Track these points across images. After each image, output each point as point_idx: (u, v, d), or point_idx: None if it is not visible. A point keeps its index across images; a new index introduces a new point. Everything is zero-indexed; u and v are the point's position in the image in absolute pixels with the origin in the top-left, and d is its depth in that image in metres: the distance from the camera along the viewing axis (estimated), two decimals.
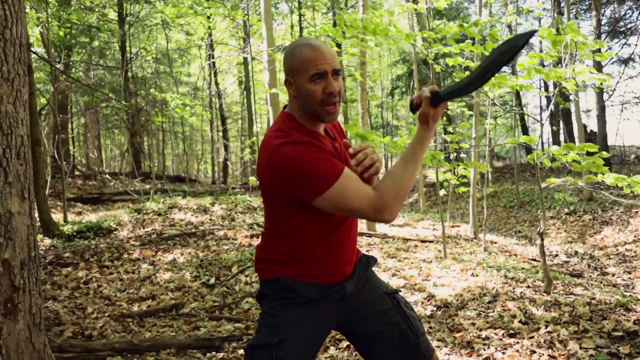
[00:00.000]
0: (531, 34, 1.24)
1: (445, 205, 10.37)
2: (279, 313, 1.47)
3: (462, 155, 7.03)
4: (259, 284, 1.61)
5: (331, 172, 1.33)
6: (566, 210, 9.70)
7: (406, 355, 1.56)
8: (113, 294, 4.63)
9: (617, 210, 8.75)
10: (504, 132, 22.57)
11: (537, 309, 3.54)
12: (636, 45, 15.61)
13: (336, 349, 3.14)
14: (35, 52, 8.50)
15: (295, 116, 1.47)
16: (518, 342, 2.99)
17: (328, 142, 1.49)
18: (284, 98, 7.63)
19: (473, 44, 4.14)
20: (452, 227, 9.21)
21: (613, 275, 5.81)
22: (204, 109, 18.68)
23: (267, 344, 1.41)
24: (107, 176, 14.33)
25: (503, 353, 2.86)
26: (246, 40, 12.45)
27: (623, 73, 15.80)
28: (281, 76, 7.55)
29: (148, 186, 12.89)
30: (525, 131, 18.25)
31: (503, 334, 3.14)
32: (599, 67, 10.81)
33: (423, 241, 6.97)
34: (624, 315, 3.29)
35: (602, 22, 14.55)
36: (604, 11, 15.33)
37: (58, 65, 10.15)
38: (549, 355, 2.78)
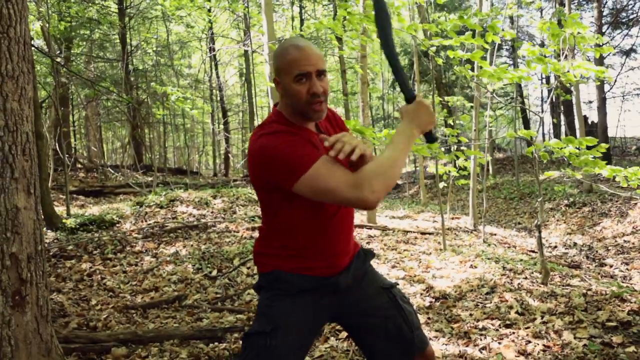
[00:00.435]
0: None
1: (445, 197, 10.41)
2: (274, 303, 1.52)
3: (462, 148, 7.05)
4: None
5: (307, 157, 1.36)
6: (566, 202, 9.74)
7: (400, 348, 1.62)
8: (117, 286, 4.70)
9: (616, 202, 8.79)
10: (505, 124, 22.52)
11: (534, 300, 3.60)
12: (638, 36, 15.59)
13: (336, 340, 3.21)
14: (35, 47, 8.51)
15: (284, 114, 1.53)
16: (514, 333, 3.05)
17: (316, 137, 1.52)
18: None
19: (473, 36, 4.15)
20: (452, 219, 9.26)
21: (611, 266, 5.87)
22: (205, 101, 18.67)
23: (262, 331, 1.48)
24: (109, 169, 14.38)
25: (499, 343, 2.92)
26: (247, 32, 12.42)
27: (624, 64, 15.76)
28: None
29: (150, 179, 12.94)
30: (526, 123, 18.21)
31: (499, 325, 3.21)
32: (600, 59, 10.78)
33: (423, 233, 7.03)
34: (619, 305, 3.35)
35: (604, 13, 14.47)
36: (606, 2, 15.26)
37: (58, 59, 10.17)
38: (543, 345, 2.84)
